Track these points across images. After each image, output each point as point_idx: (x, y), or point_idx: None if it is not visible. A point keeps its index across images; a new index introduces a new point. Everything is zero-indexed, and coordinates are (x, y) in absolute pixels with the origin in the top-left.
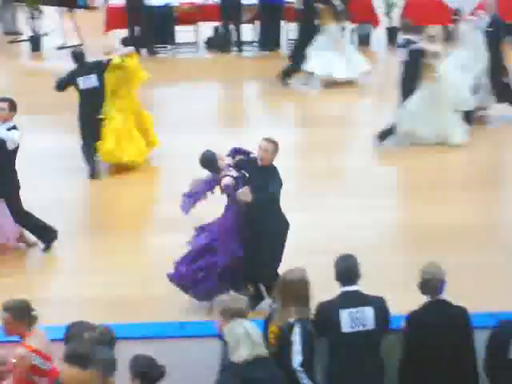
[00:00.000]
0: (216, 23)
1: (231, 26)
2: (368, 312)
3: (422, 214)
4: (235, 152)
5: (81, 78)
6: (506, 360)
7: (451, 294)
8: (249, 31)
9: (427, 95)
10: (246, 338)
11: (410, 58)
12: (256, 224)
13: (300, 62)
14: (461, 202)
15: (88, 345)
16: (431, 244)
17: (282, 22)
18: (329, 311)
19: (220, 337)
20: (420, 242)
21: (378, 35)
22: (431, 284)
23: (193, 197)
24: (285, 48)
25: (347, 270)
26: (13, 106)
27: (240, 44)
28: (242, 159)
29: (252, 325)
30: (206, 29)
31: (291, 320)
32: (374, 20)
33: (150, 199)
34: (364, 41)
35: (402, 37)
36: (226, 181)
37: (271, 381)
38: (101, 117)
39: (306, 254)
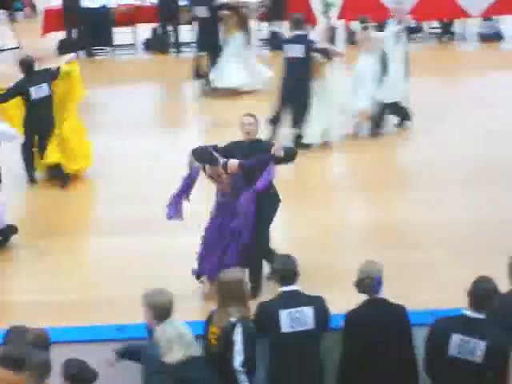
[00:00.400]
0: (154, 24)
1: (169, 28)
2: (308, 312)
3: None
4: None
5: (33, 87)
6: (444, 358)
7: (389, 293)
8: (187, 32)
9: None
10: (179, 338)
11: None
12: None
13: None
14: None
15: (23, 348)
16: (370, 243)
17: None
18: (268, 311)
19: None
20: (355, 242)
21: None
22: (366, 283)
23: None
24: None
25: (286, 270)
26: None
27: (178, 45)
28: (230, 145)
29: (184, 325)
30: (144, 30)
31: (233, 320)
32: (311, 20)
33: (86, 201)
34: None
35: (292, 33)
36: (234, 162)
37: (205, 381)
38: (51, 126)
39: None
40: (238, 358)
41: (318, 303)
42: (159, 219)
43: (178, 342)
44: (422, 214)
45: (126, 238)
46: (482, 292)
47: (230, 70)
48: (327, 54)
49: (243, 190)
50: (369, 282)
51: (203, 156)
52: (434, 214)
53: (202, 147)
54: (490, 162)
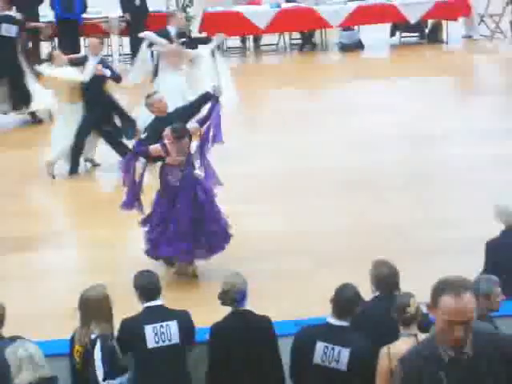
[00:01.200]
0: None
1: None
2: (172, 326)
3: None
4: None
5: None
6: (309, 366)
7: (254, 304)
8: (46, 48)
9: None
10: (29, 360)
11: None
12: None
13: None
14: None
15: None
16: (240, 253)
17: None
18: (133, 327)
19: None
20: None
21: None
22: (230, 294)
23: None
24: None
25: (149, 285)
26: None
27: (40, 61)
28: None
29: (34, 346)
30: None
31: (93, 337)
32: None
33: None
34: None
35: None
36: (194, 125)
37: None
38: None
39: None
40: (99, 373)
41: (182, 317)
42: None
43: (27, 364)
44: (289, 225)
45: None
46: (344, 299)
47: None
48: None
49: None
50: (233, 295)
51: (183, 131)
52: (299, 223)
53: (179, 126)
54: (354, 171)
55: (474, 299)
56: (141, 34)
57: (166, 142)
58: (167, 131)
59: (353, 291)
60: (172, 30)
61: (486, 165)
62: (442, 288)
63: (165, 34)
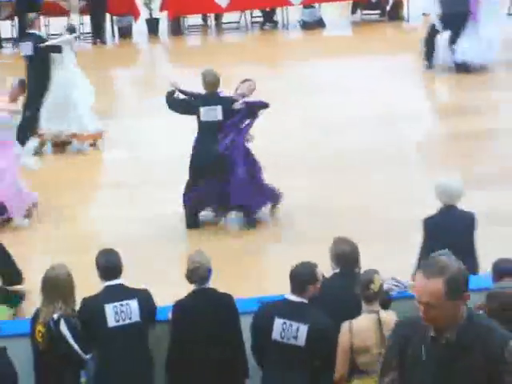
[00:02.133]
0: None
1: None
2: (133, 305)
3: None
4: None
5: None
6: (270, 340)
7: (216, 282)
8: (8, 27)
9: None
10: None
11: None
12: None
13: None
14: None
15: None
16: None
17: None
18: (93, 306)
19: None
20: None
21: (139, 27)
22: (199, 272)
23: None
24: None
25: (109, 264)
26: None
27: None
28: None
29: None
30: None
31: (55, 316)
32: (134, 12)
33: None
34: (126, 33)
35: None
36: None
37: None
38: None
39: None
40: (78, 350)
41: (142, 296)
42: None
43: None
44: None
45: None
46: (302, 276)
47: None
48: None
49: None
50: (202, 272)
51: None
52: None
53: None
54: (317, 151)
55: (440, 287)
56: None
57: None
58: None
59: (311, 268)
60: None
61: (448, 140)
62: (423, 264)
63: None
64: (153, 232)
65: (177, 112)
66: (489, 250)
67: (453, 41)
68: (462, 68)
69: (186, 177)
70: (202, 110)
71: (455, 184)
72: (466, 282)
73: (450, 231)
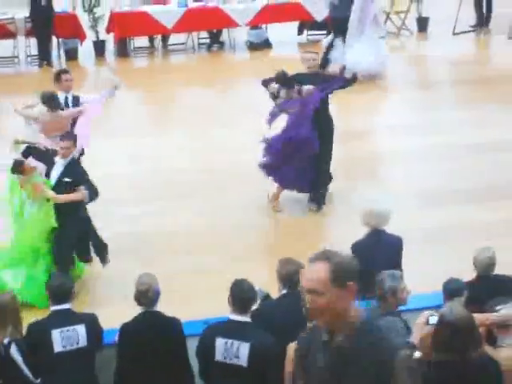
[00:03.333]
0: None
1: None
2: (80, 330)
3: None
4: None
5: None
6: (213, 362)
7: (166, 302)
8: None
9: None
10: None
11: None
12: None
13: None
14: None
15: None
16: (149, 252)
17: None
18: (39, 332)
19: None
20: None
21: (85, 49)
22: (148, 295)
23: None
24: None
25: (58, 289)
26: None
27: None
28: (298, 74)
29: None
30: None
31: (5, 341)
32: (80, 34)
33: None
34: (72, 55)
35: None
36: (309, 87)
37: None
38: None
39: None
40: (29, 375)
41: (89, 320)
42: None
43: None
44: (198, 221)
45: None
46: (243, 295)
47: None
48: None
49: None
50: (151, 295)
51: (287, 81)
52: (209, 219)
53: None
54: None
55: (325, 271)
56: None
57: None
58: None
59: (247, 286)
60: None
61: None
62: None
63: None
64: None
65: None
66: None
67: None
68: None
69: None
70: None
71: (381, 207)
72: (353, 271)
73: (377, 255)
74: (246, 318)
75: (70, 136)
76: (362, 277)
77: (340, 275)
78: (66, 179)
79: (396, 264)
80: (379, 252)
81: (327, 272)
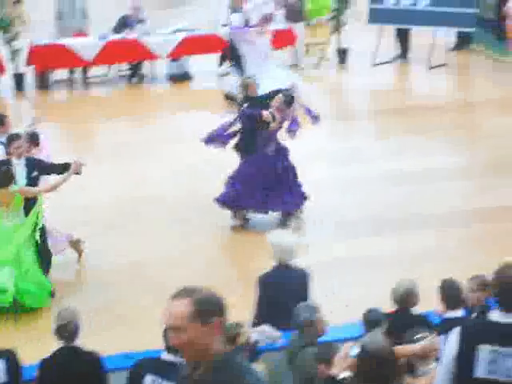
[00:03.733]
0: None
1: None
2: (0, 365)
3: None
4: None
5: None
6: None
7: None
8: None
9: None
10: None
11: None
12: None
13: None
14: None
15: None
16: (76, 287)
17: None
18: None
19: None
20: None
21: (5, 82)
22: (69, 329)
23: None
24: None
25: None
26: None
27: None
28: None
29: None
30: None
31: None
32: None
33: None
34: None
35: None
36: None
37: None
38: None
39: None
40: None
41: (9, 356)
42: None
43: None
44: (124, 255)
45: None
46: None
47: None
48: None
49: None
50: (71, 329)
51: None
52: (135, 254)
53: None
54: (185, 198)
55: (186, 307)
56: None
57: (272, 109)
58: (278, 98)
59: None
60: None
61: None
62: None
63: None
64: None
65: None
66: None
67: None
68: None
69: None
70: None
71: (288, 241)
72: (216, 307)
73: (284, 288)
74: (176, 358)
75: (18, 136)
76: (269, 308)
77: (201, 311)
78: (35, 173)
79: (304, 297)
80: (285, 285)
81: (188, 308)
